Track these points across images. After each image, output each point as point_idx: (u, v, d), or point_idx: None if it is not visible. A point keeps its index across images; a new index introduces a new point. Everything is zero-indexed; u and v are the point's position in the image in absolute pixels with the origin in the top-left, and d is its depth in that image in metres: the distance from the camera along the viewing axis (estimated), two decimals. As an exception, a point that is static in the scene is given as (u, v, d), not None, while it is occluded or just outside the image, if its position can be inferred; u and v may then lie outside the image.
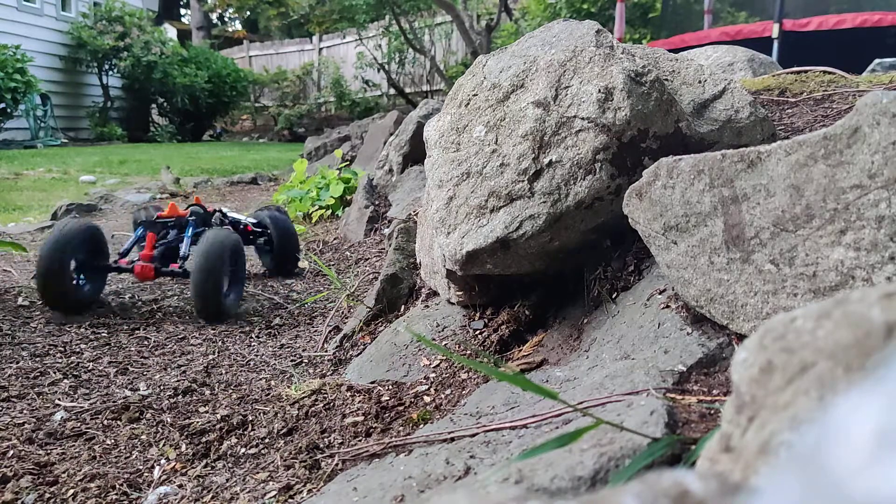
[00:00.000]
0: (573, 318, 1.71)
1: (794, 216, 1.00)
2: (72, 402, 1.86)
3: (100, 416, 1.77)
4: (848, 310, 0.51)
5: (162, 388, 1.95)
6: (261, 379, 2.05)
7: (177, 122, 13.47)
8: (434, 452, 1.12)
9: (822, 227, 0.97)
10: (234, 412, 1.75)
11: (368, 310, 2.31)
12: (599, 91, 1.51)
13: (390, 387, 1.70)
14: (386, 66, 13.61)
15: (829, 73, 2.31)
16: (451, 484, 0.98)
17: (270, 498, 1.31)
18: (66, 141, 11.52)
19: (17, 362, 2.07)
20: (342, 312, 2.57)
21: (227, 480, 1.45)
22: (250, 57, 17.38)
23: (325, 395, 1.71)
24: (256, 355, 2.24)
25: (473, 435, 1.14)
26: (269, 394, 1.89)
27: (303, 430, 1.58)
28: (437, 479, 1.01)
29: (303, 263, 3.35)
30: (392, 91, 13.94)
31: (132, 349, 2.25)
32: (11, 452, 1.57)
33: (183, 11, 23.55)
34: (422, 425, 1.44)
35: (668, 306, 1.33)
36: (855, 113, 0.94)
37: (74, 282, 2.51)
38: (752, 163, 1.06)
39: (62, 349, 2.19)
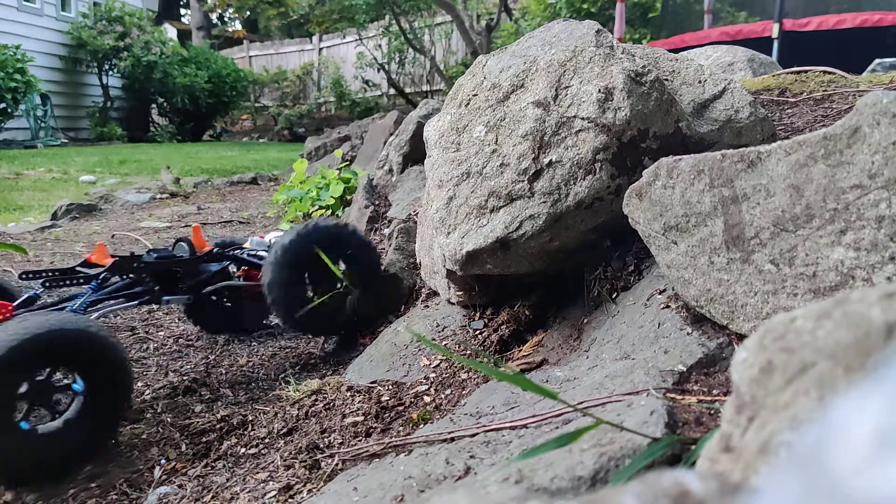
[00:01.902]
0: (573, 318, 1.71)
1: (794, 216, 1.00)
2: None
3: (100, 416, 1.77)
4: (848, 310, 0.51)
5: (162, 388, 1.95)
6: (261, 379, 2.05)
7: (177, 122, 13.46)
8: (434, 452, 1.12)
9: (822, 227, 0.97)
10: (234, 412, 1.75)
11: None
12: (599, 91, 1.51)
13: (390, 387, 1.70)
14: (386, 66, 13.60)
15: (829, 73, 2.31)
16: (451, 484, 0.98)
17: (270, 498, 1.31)
18: (66, 141, 11.52)
19: (17, 362, 2.07)
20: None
21: (227, 480, 1.45)
22: (250, 57, 17.37)
23: (325, 395, 1.71)
24: (256, 355, 2.24)
25: (473, 435, 1.14)
26: (269, 394, 1.89)
27: (303, 430, 1.58)
28: (437, 479, 1.01)
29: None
30: (392, 91, 13.94)
31: (132, 349, 2.25)
32: (11, 452, 1.57)
33: (183, 11, 23.55)
34: (422, 425, 1.44)
35: (668, 306, 1.33)
36: (855, 113, 0.94)
37: None
38: (752, 163, 1.06)
39: (62, 349, 2.19)
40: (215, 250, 2.21)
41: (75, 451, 1.52)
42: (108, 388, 1.55)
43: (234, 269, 2.27)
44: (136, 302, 1.92)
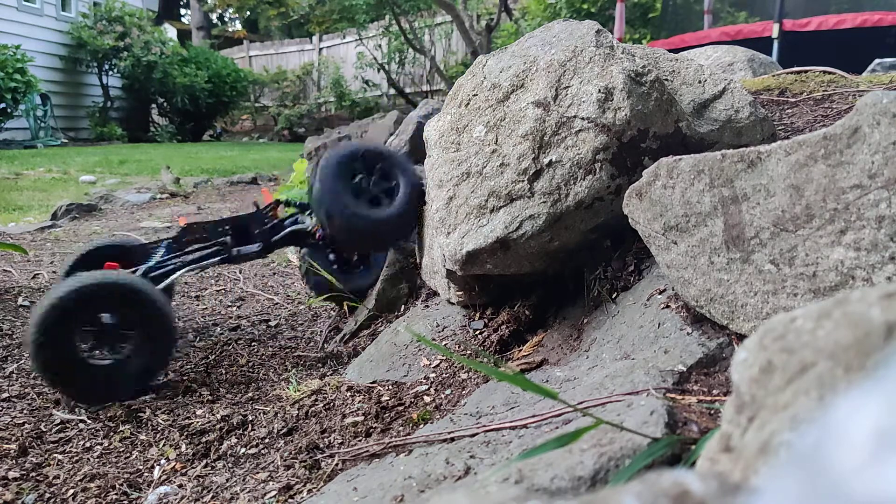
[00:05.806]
0: (573, 318, 1.71)
1: (794, 216, 1.00)
2: (72, 401, 1.86)
3: (100, 416, 1.78)
4: (848, 310, 0.51)
5: (162, 387, 1.94)
6: (261, 379, 2.05)
7: (177, 122, 13.46)
8: (434, 452, 1.12)
9: (822, 227, 0.97)
10: (234, 412, 1.75)
11: (368, 310, 2.31)
12: (599, 91, 1.51)
13: (390, 387, 1.70)
14: (386, 66, 13.60)
15: (829, 73, 2.31)
16: (451, 484, 0.98)
17: (270, 498, 1.31)
18: (66, 141, 11.52)
19: (17, 362, 2.07)
20: (342, 312, 2.57)
21: (227, 480, 1.45)
22: (250, 57, 17.37)
23: (325, 395, 1.71)
24: (256, 355, 2.24)
25: (473, 435, 1.14)
26: (269, 394, 1.89)
27: (303, 430, 1.58)
28: (437, 479, 1.01)
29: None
30: (392, 91, 13.94)
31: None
32: (11, 453, 1.57)
33: (183, 11, 23.54)
34: (422, 425, 1.44)
35: (668, 306, 1.33)
36: (855, 113, 0.94)
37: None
38: (752, 163, 1.06)
39: (62, 349, 2.19)
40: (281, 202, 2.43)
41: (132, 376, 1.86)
42: (151, 329, 1.87)
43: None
44: (218, 259, 2.20)
